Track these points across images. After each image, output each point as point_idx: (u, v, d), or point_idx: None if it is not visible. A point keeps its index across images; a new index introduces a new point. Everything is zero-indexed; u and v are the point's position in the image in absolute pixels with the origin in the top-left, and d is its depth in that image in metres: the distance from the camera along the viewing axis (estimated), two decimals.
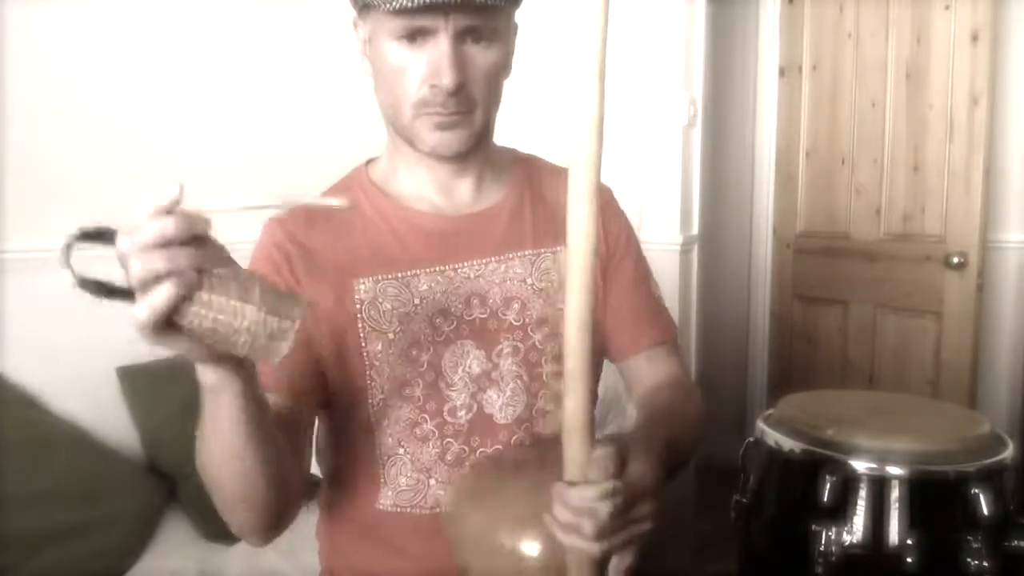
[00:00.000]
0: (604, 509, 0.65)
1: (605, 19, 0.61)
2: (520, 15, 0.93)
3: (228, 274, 0.62)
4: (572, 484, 0.67)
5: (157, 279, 0.57)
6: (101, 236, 0.59)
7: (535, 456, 0.86)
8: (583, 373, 0.67)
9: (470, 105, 0.87)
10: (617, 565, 0.70)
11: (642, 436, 0.81)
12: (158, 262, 0.57)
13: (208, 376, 0.67)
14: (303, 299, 0.67)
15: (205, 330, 0.61)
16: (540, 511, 0.69)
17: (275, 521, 0.82)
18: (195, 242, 0.59)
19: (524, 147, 1.07)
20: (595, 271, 0.66)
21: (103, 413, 1.66)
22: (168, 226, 0.57)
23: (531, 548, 0.71)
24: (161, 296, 0.57)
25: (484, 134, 0.93)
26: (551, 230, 0.97)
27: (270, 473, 0.75)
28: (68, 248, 0.58)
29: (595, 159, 0.64)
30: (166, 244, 0.57)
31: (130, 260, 0.57)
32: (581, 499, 0.66)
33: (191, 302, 0.59)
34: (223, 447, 0.72)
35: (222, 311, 0.60)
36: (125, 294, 0.59)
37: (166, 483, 1.67)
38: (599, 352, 1.04)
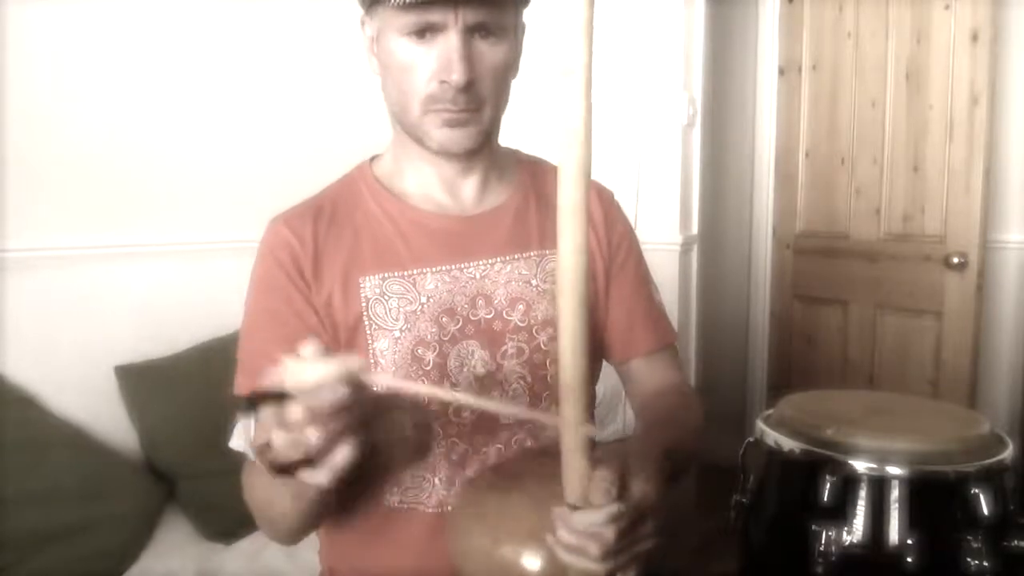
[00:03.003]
0: (610, 533, 0.66)
1: (590, 24, 0.59)
2: (527, 14, 0.93)
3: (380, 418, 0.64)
4: (575, 507, 0.67)
5: (333, 443, 0.58)
6: (267, 401, 0.58)
7: (536, 467, 0.85)
8: (580, 391, 0.66)
9: (479, 102, 0.86)
10: None
11: (642, 449, 0.80)
12: (336, 429, 0.58)
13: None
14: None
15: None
16: (541, 526, 0.69)
17: (311, 532, 0.90)
18: (359, 402, 0.59)
19: (528, 149, 1.07)
20: (587, 290, 0.64)
21: (101, 412, 1.66)
22: (344, 395, 0.57)
23: (532, 563, 0.72)
24: (340, 459, 0.59)
25: (491, 132, 0.93)
26: (556, 232, 0.97)
27: (320, 510, 0.82)
28: (244, 422, 0.57)
29: (584, 172, 0.61)
30: (341, 411, 0.58)
31: (307, 428, 0.57)
32: (587, 524, 0.66)
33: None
34: (294, 507, 0.78)
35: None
36: (302, 463, 0.59)
37: (165, 483, 1.67)
38: (598, 354, 1.04)
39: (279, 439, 0.58)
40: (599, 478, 0.66)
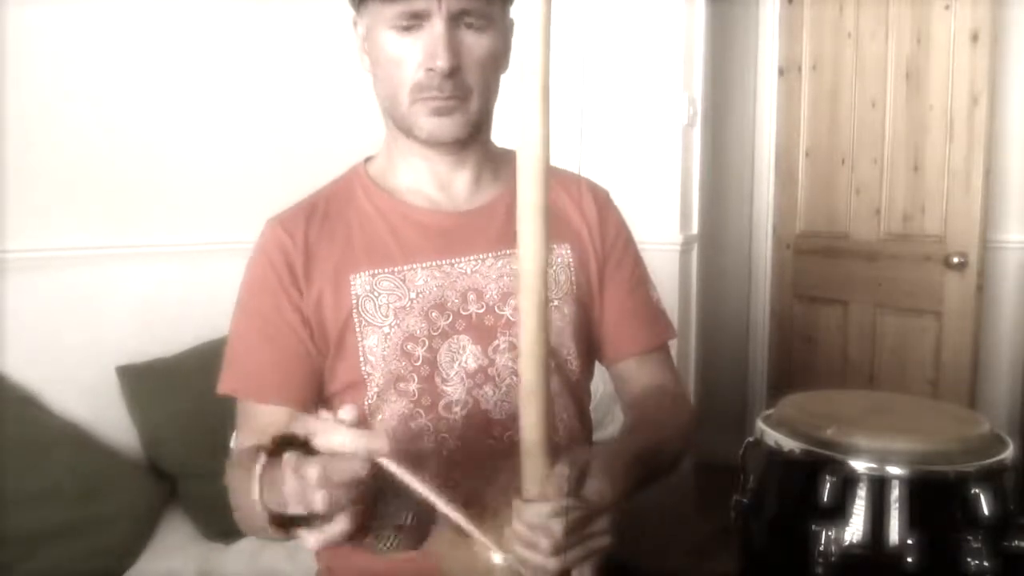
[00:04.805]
0: (557, 526, 0.66)
1: (547, 25, 0.60)
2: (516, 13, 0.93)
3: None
4: (529, 501, 0.68)
5: (334, 513, 0.58)
6: (290, 445, 0.59)
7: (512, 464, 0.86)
8: (539, 390, 0.67)
9: (466, 90, 0.88)
10: None
11: (609, 451, 0.81)
12: (343, 499, 0.57)
13: None
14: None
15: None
16: (509, 521, 0.70)
17: None
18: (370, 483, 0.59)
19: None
20: (546, 288, 0.65)
21: (103, 412, 1.66)
22: (361, 471, 0.57)
23: (498, 557, 0.72)
24: (337, 529, 0.59)
25: (481, 124, 0.93)
26: (549, 228, 0.97)
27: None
28: (263, 472, 0.59)
29: (543, 173, 0.63)
30: (353, 485, 0.57)
31: (316, 492, 0.57)
32: (536, 516, 0.67)
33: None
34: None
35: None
36: (299, 520, 0.59)
37: (166, 482, 1.67)
38: (591, 355, 1.04)
39: (290, 488, 0.58)
40: (554, 474, 0.68)
